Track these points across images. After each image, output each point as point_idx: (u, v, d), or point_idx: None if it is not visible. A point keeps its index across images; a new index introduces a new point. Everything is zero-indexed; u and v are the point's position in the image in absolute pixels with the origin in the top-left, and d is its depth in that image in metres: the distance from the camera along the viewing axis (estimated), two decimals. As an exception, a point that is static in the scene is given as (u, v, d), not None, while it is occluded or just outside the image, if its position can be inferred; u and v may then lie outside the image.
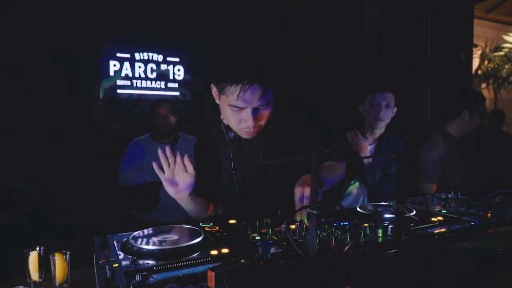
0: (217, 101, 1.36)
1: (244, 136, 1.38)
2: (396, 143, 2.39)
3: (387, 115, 2.32)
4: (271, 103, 1.31)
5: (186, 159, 1.31)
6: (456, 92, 2.66)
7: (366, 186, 2.39)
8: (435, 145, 2.40)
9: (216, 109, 1.45)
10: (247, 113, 1.28)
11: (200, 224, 1.18)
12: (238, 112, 1.29)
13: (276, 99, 1.47)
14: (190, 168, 1.32)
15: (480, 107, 2.45)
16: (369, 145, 2.38)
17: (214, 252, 0.93)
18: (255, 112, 1.28)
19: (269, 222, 1.17)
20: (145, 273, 0.80)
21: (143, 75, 3.34)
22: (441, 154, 2.35)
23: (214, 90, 1.34)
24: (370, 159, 2.33)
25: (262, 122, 1.34)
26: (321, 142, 1.48)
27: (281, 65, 1.34)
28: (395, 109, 2.38)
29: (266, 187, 1.48)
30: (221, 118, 1.45)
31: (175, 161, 1.32)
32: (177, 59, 3.47)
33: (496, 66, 5.60)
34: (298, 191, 1.22)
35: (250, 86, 1.21)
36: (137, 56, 3.32)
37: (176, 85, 3.48)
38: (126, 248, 0.97)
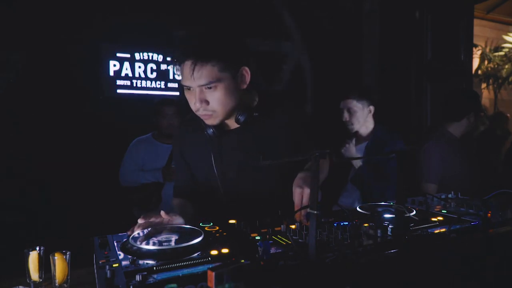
0: None
1: (205, 121, 1.37)
2: (387, 140, 2.42)
3: (352, 120, 2.47)
4: (220, 86, 1.27)
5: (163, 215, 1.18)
6: (460, 94, 2.67)
7: (358, 188, 2.42)
8: (436, 145, 2.40)
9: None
10: (194, 93, 1.28)
11: (200, 224, 1.18)
12: (189, 93, 1.30)
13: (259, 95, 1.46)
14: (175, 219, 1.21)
15: (482, 108, 2.48)
16: (356, 145, 2.47)
17: (214, 252, 0.93)
18: (202, 93, 1.27)
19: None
20: (145, 273, 0.80)
21: (143, 75, 3.34)
22: (443, 154, 2.36)
23: None
24: (360, 161, 2.37)
25: (216, 106, 1.30)
26: (307, 142, 1.47)
27: (238, 45, 1.33)
28: (369, 109, 2.47)
29: (247, 184, 1.46)
30: None
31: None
32: (177, 59, 3.47)
33: (496, 66, 5.60)
34: (297, 191, 1.22)
35: (186, 61, 1.23)
36: (137, 56, 3.32)
37: (176, 85, 3.48)
38: (126, 248, 0.97)
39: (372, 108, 2.47)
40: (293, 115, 1.50)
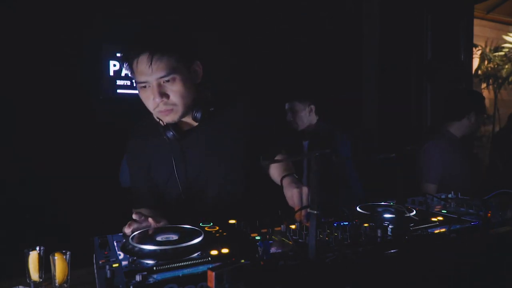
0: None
1: (164, 119, 1.35)
2: (328, 134, 2.57)
3: (296, 119, 2.68)
4: (178, 78, 1.27)
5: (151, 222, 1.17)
6: (461, 93, 2.69)
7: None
8: (436, 145, 2.40)
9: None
10: (152, 88, 1.26)
11: (200, 224, 1.18)
12: (145, 90, 1.28)
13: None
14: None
15: (485, 108, 2.49)
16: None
17: (214, 252, 0.93)
18: (160, 86, 1.26)
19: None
20: (145, 273, 0.80)
21: (143, 75, 3.34)
22: (443, 154, 2.36)
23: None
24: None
25: (175, 99, 1.29)
26: (267, 135, 1.53)
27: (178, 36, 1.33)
28: (310, 108, 2.64)
29: (212, 183, 1.45)
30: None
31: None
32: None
33: (496, 66, 5.60)
34: (295, 191, 1.23)
35: (140, 55, 1.22)
36: (137, 56, 3.31)
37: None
38: (126, 248, 0.97)
39: (313, 107, 2.65)
40: (248, 108, 1.52)
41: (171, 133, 1.37)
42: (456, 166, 2.35)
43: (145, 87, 1.28)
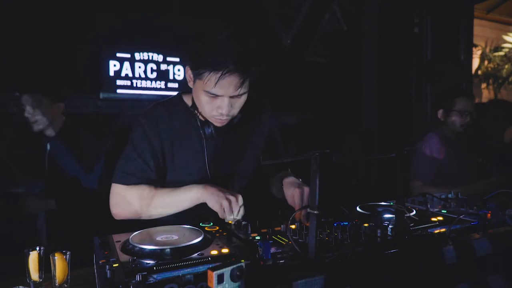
0: (190, 84, 1.33)
1: (215, 124, 1.35)
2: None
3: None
4: (247, 93, 1.29)
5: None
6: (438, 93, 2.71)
7: None
8: (428, 143, 2.42)
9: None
10: (222, 101, 1.25)
11: (200, 224, 1.18)
12: (213, 99, 1.26)
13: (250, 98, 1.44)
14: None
15: (458, 105, 2.41)
16: None
17: (214, 252, 0.93)
18: (231, 100, 1.26)
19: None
20: (145, 273, 0.80)
21: (143, 75, 3.34)
22: (435, 152, 2.38)
23: (188, 72, 1.31)
24: None
25: (236, 111, 1.32)
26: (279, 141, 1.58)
27: (263, 56, 1.31)
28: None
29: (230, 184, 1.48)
30: (194, 110, 1.39)
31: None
32: (177, 59, 3.46)
33: (496, 66, 5.60)
34: (297, 191, 1.23)
35: (230, 74, 1.19)
36: (137, 56, 3.31)
37: (176, 85, 3.48)
38: (126, 248, 0.97)
39: (61, 104, 2.52)
40: (270, 115, 1.59)
41: (210, 130, 1.36)
42: (451, 164, 2.37)
43: (214, 95, 1.26)
